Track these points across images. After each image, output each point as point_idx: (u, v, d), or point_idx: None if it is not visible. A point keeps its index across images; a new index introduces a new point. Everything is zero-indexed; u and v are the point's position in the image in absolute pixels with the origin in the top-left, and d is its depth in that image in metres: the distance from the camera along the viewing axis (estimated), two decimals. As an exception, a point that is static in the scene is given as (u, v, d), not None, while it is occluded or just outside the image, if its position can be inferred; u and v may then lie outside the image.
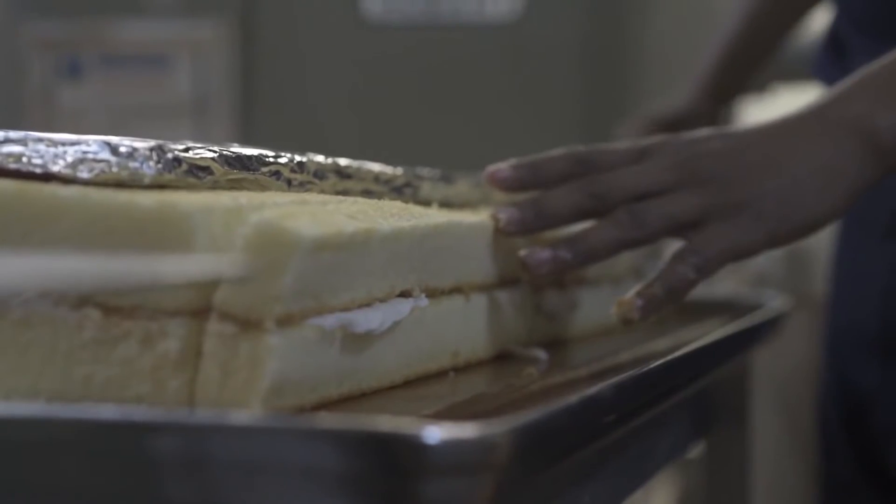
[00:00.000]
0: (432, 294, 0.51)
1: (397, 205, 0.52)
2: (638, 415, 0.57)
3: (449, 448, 0.33)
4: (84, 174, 0.46)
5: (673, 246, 0.61)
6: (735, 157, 0.60)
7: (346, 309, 0.45)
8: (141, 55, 2.81)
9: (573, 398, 0.41)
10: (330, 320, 0.44)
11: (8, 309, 0.44)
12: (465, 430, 0.34)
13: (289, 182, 0.53)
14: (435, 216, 0.53)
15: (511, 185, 0.61)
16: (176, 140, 0.49)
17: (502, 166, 0.61)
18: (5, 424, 0.37)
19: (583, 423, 0.43)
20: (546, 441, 0.38)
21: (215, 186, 0.49)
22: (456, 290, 0.54)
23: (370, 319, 0.47)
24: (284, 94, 2.80)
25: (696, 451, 1.05)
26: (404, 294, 0.49)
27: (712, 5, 2.58)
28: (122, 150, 0.46)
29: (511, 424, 0.36)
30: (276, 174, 0.52)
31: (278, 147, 0.54)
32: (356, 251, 0.45)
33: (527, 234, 0.59)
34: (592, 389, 0.43)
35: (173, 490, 0.35)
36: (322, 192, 0.55)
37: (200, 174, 0.48)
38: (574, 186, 0.60)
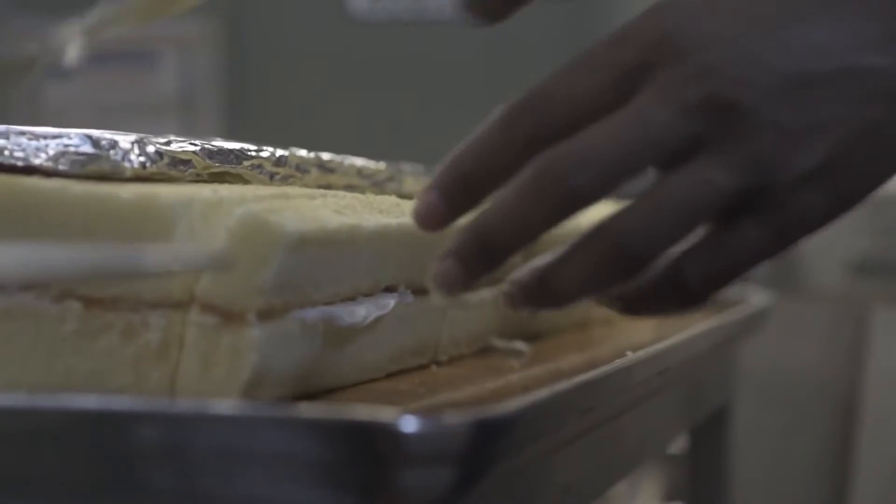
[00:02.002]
0: (418, 290, 0.52)
1: (388, 200, 0.52)
2: (618, 407, 0.57)
3: (426, 437, 0.34)
4: (65, 167, 0.46)
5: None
6: (796, 57, 0.40)
7: (329, 303, 0.45)
8: (127, 52, 2.81)
9: (551, 389, 0.41)
10: (312, 314, 0.44)
11: (-11, 301, 0.44)
12: (442, 419, 0.34)
13: (271, 176, 0.53)
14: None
15: (443, 219, 0.41)
16: (161, 136, 0.50)
17: (423, 197, 0.42)
18: (-14, 415, 0.37)
19: (561, 414, 0.43)
20: (524, 431, 0.38)
21: (197, 180, 0.49)
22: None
23: (353, 314, 0.47)
24: (271, 91, 2.80)
25: (680, 445, 1.05)
26: (389, 289, 0.50)
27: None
28: (104, 143, 0.46)
29: (489, 414, 0.36)
30: (259, 168, 0.52)
31: (265, 144, 0.54)
32: (340, 246, 0.45)
33: (472, 283, 0.42)
34: (570, 381, 0.44)
35: (153, 479, 0.35)
36: (304, 185, 0.55)
37: (182, 167, 0.48)
38: (529, 189, 0.39)
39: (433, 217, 0.41)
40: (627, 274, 0.40)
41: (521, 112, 0.40)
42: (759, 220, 0.40)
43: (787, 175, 0.39)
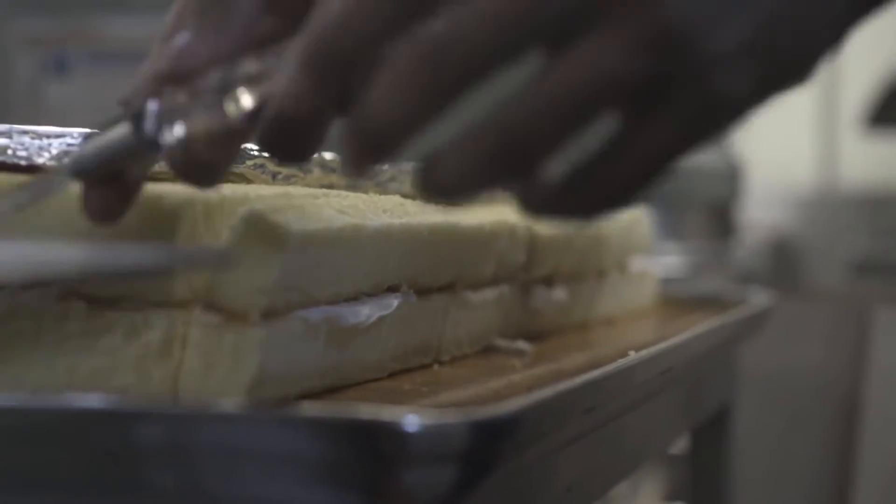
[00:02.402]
0: (420, 290, 0.52)
1: (391, 200, 0.52)
2: (620, 407, 0.57)
3: (429, 436, 0.34)
4: (68, 166, 0.46)
5: None
6: None
7: (332, 302, 0.45)
8: (129, 52, 2.81)
9: (554, 389, 0.41)
10: (315, 313, 0.44)
11: (-8, 300, 0.44)
12: (445, 419, 0.34)
13: (273, 175, 0.53)
14: (429, 215, 0.53)
15: (311, 105, 0.34)
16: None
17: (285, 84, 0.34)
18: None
19: (563, 414, 0.43)
20: (527, 431, 0.38)
21: (199, 179, 0.49)
22: (445, 287, 0.54)
23: (356, 313, 0.47)
24: (272, 91, 2.80)
25: (681, 445, 1.05)
26: (392, 289, 0.50)
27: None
28: (107, 142, 0.46)
29: (491, 413, 0.36)
30: (261, 167, 0.52)
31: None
32: (343, 246, 0.45)
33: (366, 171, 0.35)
34: (572, 381, 0.44)
35: (156, 478, 0.35)
36: (307, 185, 0.55)
37: (185, 167, 0.48)
38: (403, 72, 0.32)
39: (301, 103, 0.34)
40: (519, 171, 0.33)
41: None
42: (672, 110, 0.33)
43: (703, 56, 0.32)
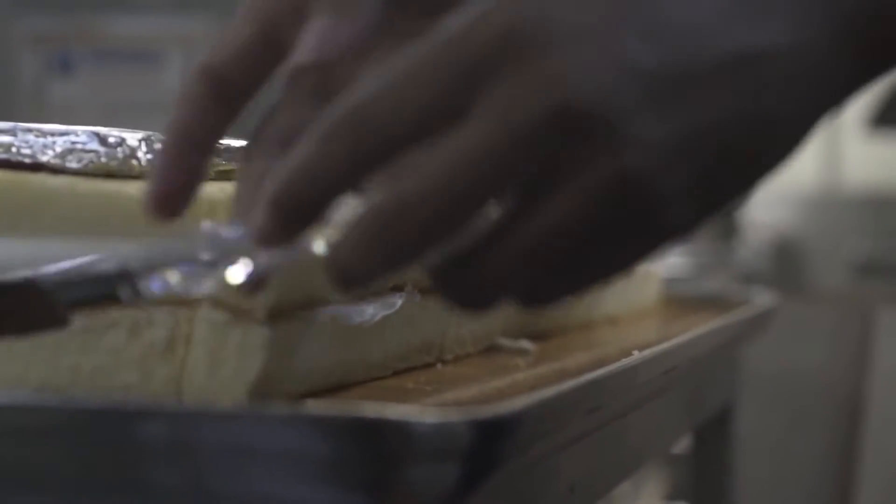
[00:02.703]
0: (424, 289, 0.52)
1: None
2: (623, 407, 0.57)
3: (434, 434, 0.34)
4: (73, 164, 0.46)
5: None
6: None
7: (336, 301, 0.45)
8: (132, 51, 2.81)
9: (558, 388, 0.41)
10: (320, 312, 0.44)
11: (-3, 298, 0.44)
12: (449, 417, 0.34)
13: (277, 174, 0.53)
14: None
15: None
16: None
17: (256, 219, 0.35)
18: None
19: (567, 413, 0.43)
20: (531, 430, 0.38)
21: (204, 177, 0.49)
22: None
23: (361, 312, 0.47)
24: (274, 90, 2.80)
25: (683, 445, 1.05)
26: (396, 288, 0.50)
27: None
28: (111, 140, 0.46)
29: (496, 412, 0.36)
30: (265, 166, 0.52)
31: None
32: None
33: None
34: (576, 380, 0.44)
35: (160, 477, 0.35)
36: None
37: (189, 165, 0.48)
38: (366, 231, 0.33)
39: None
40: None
41: (342, 132, 0.33)
42: (622, 238, 0.34)
43: (654, 199, 0.33)
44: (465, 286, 0.34)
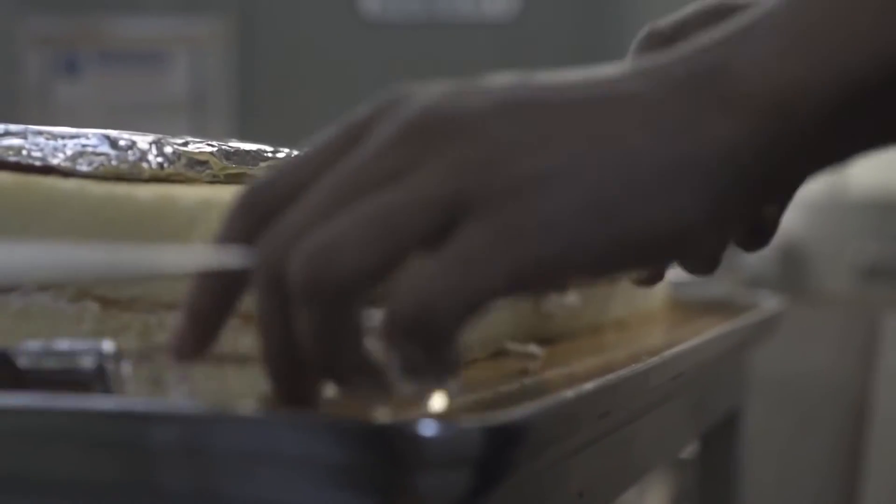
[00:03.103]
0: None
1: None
2: (632, 412, 0.57)
3: (444, 440, 0.33)
4: (83, 167, 0.46)
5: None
6: (514, 124, 0.35)
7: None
8: (139, 52, 2.81)
9: (569, 393, 0.41)
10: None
11: (7, 301, 0.44)
12: (460, 424, 0.34)
13: (287, 177, 0.53)
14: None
15: (197, 349, 0.37)
16: (174, 136, 0.50)
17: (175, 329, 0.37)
18: (4, 414, 0.37)
19: (578, 419, 0.43)
20: (542, 435, 0.38)
21: (214, 181, 0.49)
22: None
23: (370, 317, 0.47)
24: (282, 92, 2.80)
25: (690, 450, 1.05)
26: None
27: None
28: (122, 143, 0.46)
29: (507, 418, 0.36)
30: (275, 169, 0.52)
31: (275, 144, 0.54)
32: None
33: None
34: (587, 385, 0.44)
35: (171, 481, 0.35)
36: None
37: (199, 168, 0.48)
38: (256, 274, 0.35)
39: (187, 349, 0.37)
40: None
41: (250, 202, 0.36)
42: (480, 229, 0.34)
43: (507, 179, 0.34)
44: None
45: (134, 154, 0.46)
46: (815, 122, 0.36)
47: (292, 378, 0.36)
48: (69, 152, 0.46)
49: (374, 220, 0.34)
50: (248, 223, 0.36)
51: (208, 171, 0.49)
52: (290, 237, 0.34)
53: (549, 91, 0.36)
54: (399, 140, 0.35)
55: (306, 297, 0.34)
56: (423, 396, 0.36)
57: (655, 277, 0.62)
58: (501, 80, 0.37)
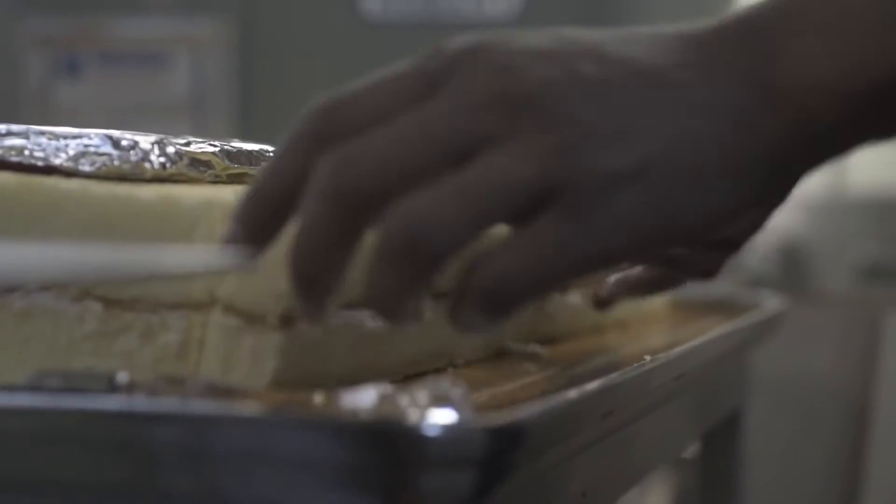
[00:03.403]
0: (435, 294, 0.51)
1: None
2: (635, 412, 0.57)
3: (448, 441, 0.33)
4: (86, 167, 0.46)
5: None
6: (599, 94, 0.37)
7: (349, 306, 0.45)
8: (139, 53, 2.81)
9: (572, 393, 0.41)
10: (333, 318, 0.44)
11: (9, 301, 0.44)
12: (464, 424, 0.34)
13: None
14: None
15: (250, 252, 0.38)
16: (176, 136, 0.50)
17: (227, 230, 0.38)
18: (5, 414, 0.37)
19: (581, 419, 0.43)
20: (546, 435, 0.38)
21: (216, 181, 0.49)
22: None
23: (374, 317, 0.47)
24: (282, 93, 2.80)
25: (692, 450, 1.05)
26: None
27: (710, 6, 2.58)
28: (124, 143, 0.46)
29: (511, 418, 0.36)
30: (277, 169, 0.52)
31: (276, 144, 0.54)
32: (362, 251, 0.45)
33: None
34: (591, 384, 0.43)
35: (173, 480, 0.35)
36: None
37: (201, 168, 0.48)
38: (318, 196, 0.36)
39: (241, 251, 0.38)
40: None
41: (316, 119, 0.37)
42: (564, 218, 0.36)
43: (592, 174, 0.36)
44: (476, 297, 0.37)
45: (136, 154, 0.46)
46: (837, 125, 0.38)
47: (313, 281, 0.37)
48: (71, 152, 0.46)
49: (468, 199, 0.35)
50: (318, 131, 0.37)
51: (210, 172, 0.49)
52: (373, 171, 0.36)
53: (615, 68, 0.38)
54: (484, 105, 0.36)
55: (395, 258, 0.36)
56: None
57: (610, 301, 0.64)
58: (570, 39, 0.38)
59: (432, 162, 0.36)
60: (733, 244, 0.60)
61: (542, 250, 0.36)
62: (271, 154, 0.50)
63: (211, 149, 0.49)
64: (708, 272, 0.60)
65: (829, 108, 0.38)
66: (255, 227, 0.38)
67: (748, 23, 0.39)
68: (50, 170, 0.46)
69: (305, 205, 0.36)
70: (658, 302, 0.83)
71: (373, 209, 0.36)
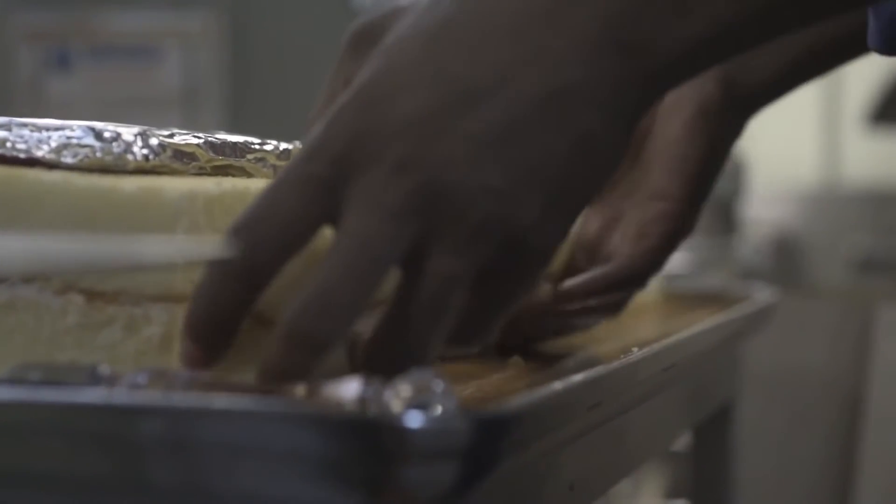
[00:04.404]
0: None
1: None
2: (623, 404, 0.57)
3: (431, 433, 0.33)
4: (68, 159, 0.45)
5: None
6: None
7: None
8: (130, 46, 2.81)
9: (557, 384, 0.41)
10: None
11: (-9, 294, 0.44)
12: (447, 415, 0.34)
13: (274, 168, 0.53)
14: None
15: (208, 363, 0.41)
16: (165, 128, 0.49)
17: (183, 349, 0.41)
18: (-13, 409, 0.37)
19: (566, 411, 0.43)
20: (530, 427, 0.38)
21: (200, 173, 0.49)
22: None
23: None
24: (274, 86, 2.80)
25: (683, 442, 1.05)
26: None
27: None
28: (107, 135, 0.46)
29: (495, 410, 0.36)
30: (262, 161, 0.52)
31: (268, 137, 0.54)
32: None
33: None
34: (575, 377, 0.43)
35: (155, 473, 0.35)
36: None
37: (185, 160, 0.48)
38: (284, 347, 0.39)
39: (199, 364, 0.41)
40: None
41: (236, 245, 0.39)
42: (508, 271, 0.40)
43: (516, 228, 0.38)
44: (392, 352, 0.39)
45: (119, 146, 0.46)
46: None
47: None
48: (53, 144, 0.46)
49: (433, 310, 0.39)
50: (240, 268, 0.39)
51: (195, 164, 0.48)
52: (334, 315, 0.38)
53: (498, 103, 0.39)
54: (397, 213, 0.38)
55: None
56: None
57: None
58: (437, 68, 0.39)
59: (380, 278, 0.38)
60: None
61: (494, 298, 0.41)
62: (254, 150, 0.50)
63: (195, 140, 0.49)
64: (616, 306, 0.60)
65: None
66: (210, 346, 0.40)
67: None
68: (32, 162, 0.45)
69: (276, 351, 0.38)
70: (649, 294, 0.83)
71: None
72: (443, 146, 0.38)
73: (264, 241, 0.38)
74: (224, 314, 0.39)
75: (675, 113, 0.61)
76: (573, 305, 0.58)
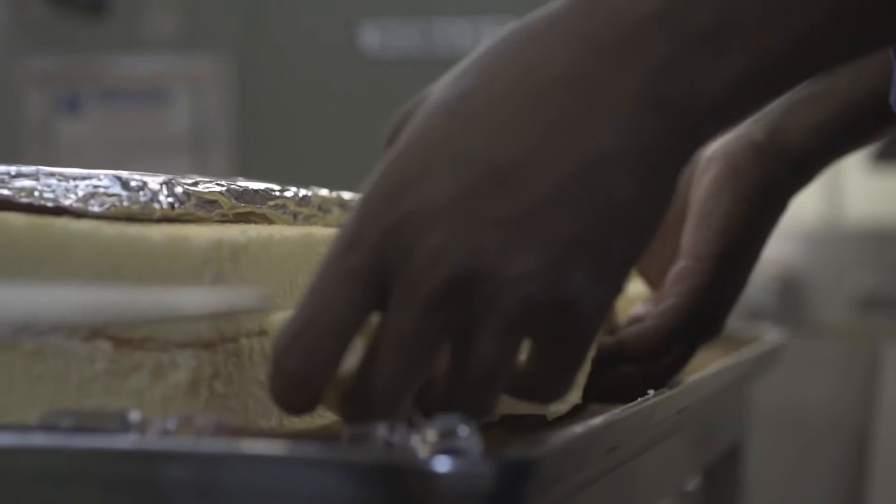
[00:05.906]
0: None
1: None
2: (638, 446, 0.57)
3: (458, 478, 0.34)
4: (95, 208, 0.46)
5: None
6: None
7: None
8: (139, 90, 2.82)
9: (578, 428, 0.42)
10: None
11: (20, 341, 0.44)
12: (474, 460, 0.34)
13: (294, 215, 0.53)
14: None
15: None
16: (178, 174, 0.50)
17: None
18: (18, 454, 0.37)
19: (587, 454, 0.44)
20: (553, 471, 0.39)
21: (223, 220, 0.50)
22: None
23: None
24: (282, 129, 2.81)
25: (693, 483, 1.05)
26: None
27: None
28: (133, 184, 0.47)
29: (520, 454, 0.36)
30: (282, 208, 0.53)
31: (276, 182, 0.55)
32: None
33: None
34: (595, 420, 0.44)
35: (186, 519, 0.36)
36: (327, 225, 0.55)
37: (209, 207, 0.49)
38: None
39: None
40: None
41: (298, 352, 0.39)
42: (563, 337, 0.39)
43: (560, 302, 0.38)
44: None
45: (145, 195, 0.47)
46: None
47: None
48: (81, 193, 0.46)
49: (483, 384, 0.39)
50: (295, 372, 0.39)
51: (218, 211, 0.49)
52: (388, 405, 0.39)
53: (528, 187, 0.38)
54: (436, 304, 0.38)
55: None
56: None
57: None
58: (466, 159, 0.38)
59: (427, 367, 0.39)
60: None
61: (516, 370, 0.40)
62: (275, 196, 0.51)
63: (218, 188, 0.50)
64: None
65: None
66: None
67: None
68: (60, 211, 0.46)
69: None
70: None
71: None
72: (473, 236, 0.37)
73: (325, 340, 0.38)
74: (296, 413, 0.40)
75: (708, 170, 0.59)
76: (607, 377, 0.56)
